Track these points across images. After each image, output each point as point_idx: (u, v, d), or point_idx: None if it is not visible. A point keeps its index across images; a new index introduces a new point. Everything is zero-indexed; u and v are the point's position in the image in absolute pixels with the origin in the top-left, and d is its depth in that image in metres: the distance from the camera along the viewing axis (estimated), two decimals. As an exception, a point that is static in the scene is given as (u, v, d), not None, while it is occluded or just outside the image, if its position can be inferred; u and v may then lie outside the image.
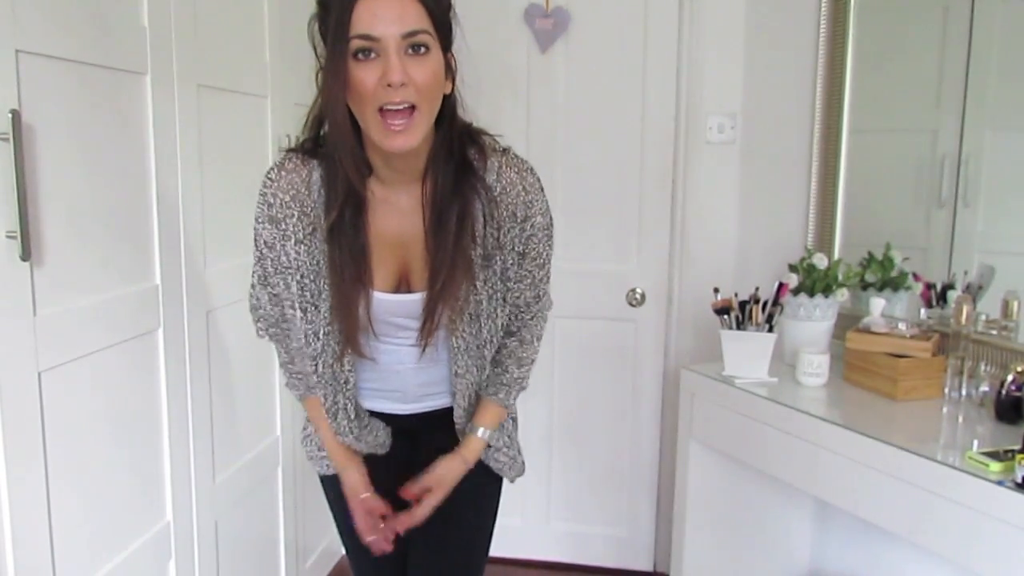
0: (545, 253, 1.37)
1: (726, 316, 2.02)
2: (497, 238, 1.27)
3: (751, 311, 2.01)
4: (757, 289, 2.05)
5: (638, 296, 2.64)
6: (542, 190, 1.32)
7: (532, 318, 1.44)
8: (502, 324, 1.35)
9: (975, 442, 1.57)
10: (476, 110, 2.81)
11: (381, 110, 1.09)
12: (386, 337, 1.33)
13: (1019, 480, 1.37)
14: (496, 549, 2.98)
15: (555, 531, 2.82)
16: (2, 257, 1.21)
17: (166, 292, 1.64)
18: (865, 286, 2.18)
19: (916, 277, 2.08)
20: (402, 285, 1.28)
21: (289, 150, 1.26)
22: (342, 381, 1.31)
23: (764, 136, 2.46)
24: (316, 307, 1.25)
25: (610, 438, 2.74)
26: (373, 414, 1.42)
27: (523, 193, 1.29)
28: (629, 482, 2.74)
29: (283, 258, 1.24)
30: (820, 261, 2.04)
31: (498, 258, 1.29)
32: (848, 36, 2.23)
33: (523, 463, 1.53)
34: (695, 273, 2.56)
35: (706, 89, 2.50)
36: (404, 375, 1.38)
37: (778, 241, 2.43)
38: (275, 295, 1.30)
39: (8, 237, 1.21)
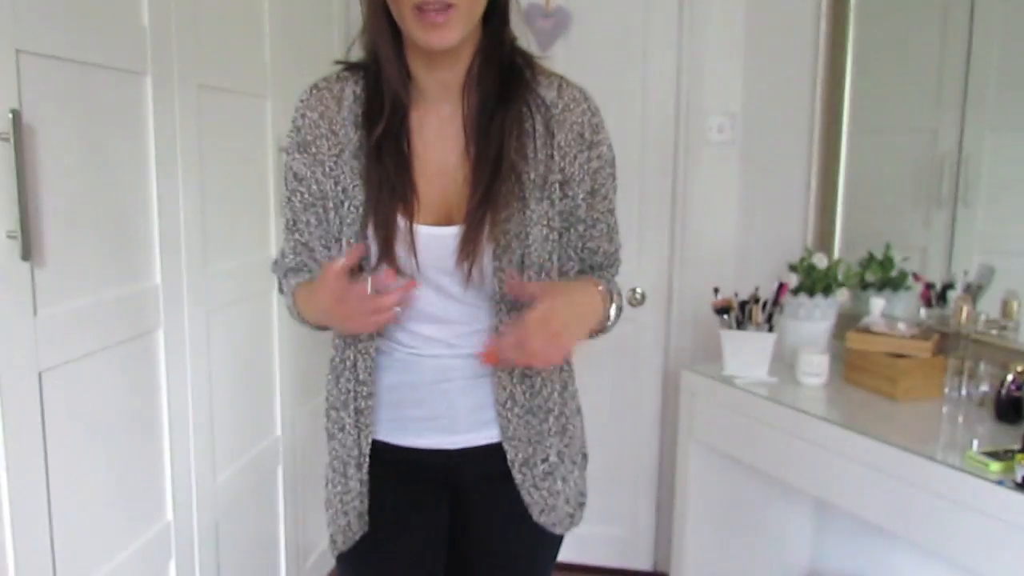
0: (612, 196, 1.22)
1: (726, 316, 2.02)
2: (562, 166, 1.15)
3: (751, 311, 2.01)
4: (757, 289, 2.05)
5: (638, 296, 2.64)
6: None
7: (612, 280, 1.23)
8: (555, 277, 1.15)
9: (975, 442, 1.57)
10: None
11: (419, 8, 1.03)
12: (427, 325, 1.16)
13: (1019, 480, 1.37)
14: (496, 549, 2.97)
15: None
16: (2, 257, 1.21)
17: (166, 292, 1.64)
18: (865, 286, 2.18)
19: (916, 277, 2.08)
20: (442, 221, 1.12)
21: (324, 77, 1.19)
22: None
23: (764, 136, 2.46)
24: (339, 241, 1.14)
25: (610, 438, 2.74)
26: (410, 454, 1.21)
27: (589, 113, 1.21)
28: (629, 482, 2.74)
29: (314, 187, 1.15)
30: (820, 261, 2.04)
31: (557, 188, 1.14)
32: (848, 36, 2.23)
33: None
34: (695, 273, 2.56)
35: (706, 89, 2.50)
36: (451, 393, 1.19)
37: (778, 241, 2.43)
38: (302, 243, 1.20)
39: (8, 237, 1.21)
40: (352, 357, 1.18)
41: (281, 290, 1.27)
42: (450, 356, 1.18)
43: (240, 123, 1.96)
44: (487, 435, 1.21)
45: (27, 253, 1.23)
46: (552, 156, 1.16)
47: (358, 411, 1.19)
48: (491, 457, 1.21)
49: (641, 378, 2.69)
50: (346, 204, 1.13)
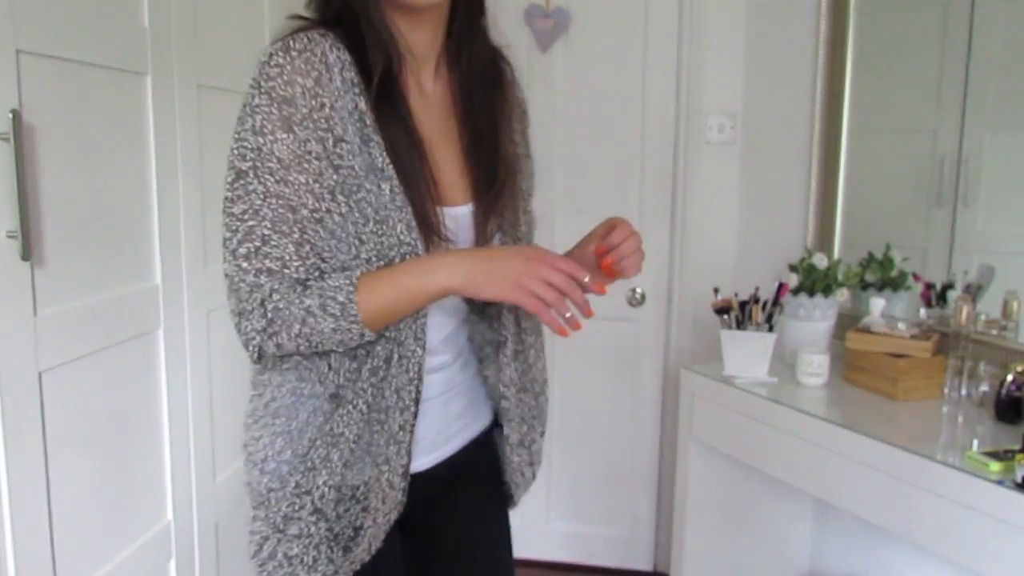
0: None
1: (726, 316, 2.02)
2: (518, 140, 1.13)
3: (751, 311, 2.01)
4: (757, 289, 2.05)
5: (638, 296, 2.64)
6: None
7: None
8: None
9: (975, 442, 1.57)
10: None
11: None
12: (447, 317, 1.07)
13: (1019, 480, 1.37)
14: (496, 549, 2.97)
15: (555, 531, 2.82)
16: (3, 257, 1.21)
17: (166, 292, 1.64)
18: (865, 286, 2.18)
19: (916, 277, 2.08)
20: (447, 200, 1.05)
21: (291, 34, 0.96)
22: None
23: (764, 136, 2.46)
24: (380, 223, 0.98)
25: (610, 438, 2.74)
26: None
27: (520, 84, 1.16)
28: (629, 482, 2.74)
29: (331, 172, 0.95)
30: (820, 261, 2.04)
31: (520, 162, 1.11)
32: (848, 36, 2.23)
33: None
34: (695, 273, 2.56)
35: (706, 89, 2.50)
36: (451, 404, 1.11)
37: (778, 241, 2.43)
38: (310, 244, 0.96)
39: (9, 237, 1.21)
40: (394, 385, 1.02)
41: (282, 301, 0.96)
42: (458, 368, 1.12)
43: (240, 123, 1.96)
44: (478, 428, 1.17)
45: (27, 253, 1.23)
46: (515, 130, 1.13)
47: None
48: (480, 447, 1.18)
49: (641, 378, 2.69)
50: (385, 186, 0.97)
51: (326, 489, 1.02)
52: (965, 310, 1.83)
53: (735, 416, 1.96)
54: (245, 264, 0.95)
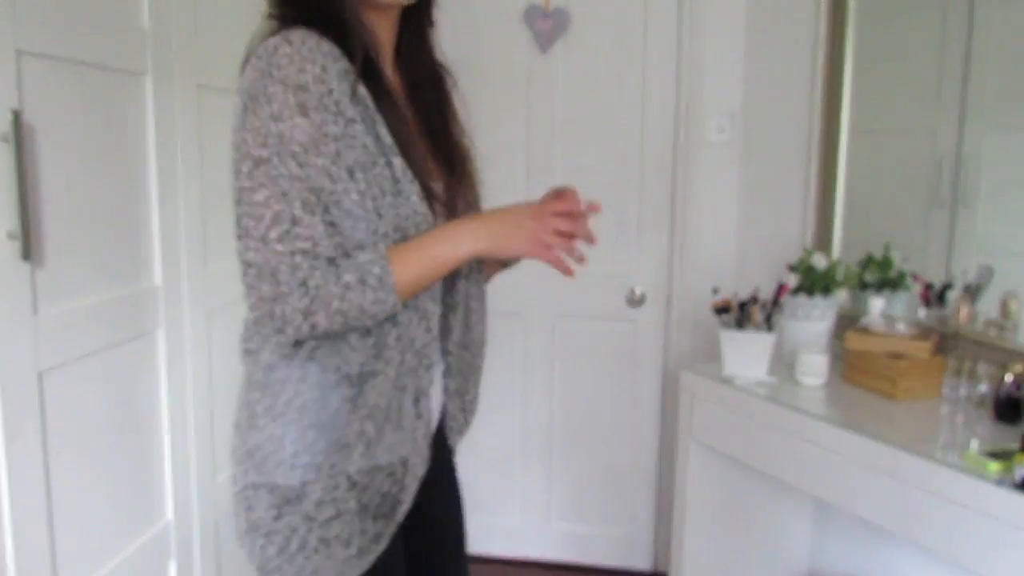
0: None
1: (726, 316, 2.02)
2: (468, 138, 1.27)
3: (750, 311, 2.01)
4: (756, 289, 2.05)
5: (638, 296, 2.64)
6: None
7: None
8: None
9: (974, 442, 1.57)
10: (476, 110, 2.81)
11: None
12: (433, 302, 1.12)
13: (1018, 480, 1.37)
14: (496, 549, 3.00)
15: (555, 531, 2.82)
16: (3, 257, 1.21)
17: (166, 292, 1.64)
18: (864, 286, 2.18)
19: (915, 277, 2.08)
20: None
21: (277, 32, 1.01)
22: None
23: (764, 136, 2.46)
24: (397, 195, 1.04)
25: (610, 438, 2.74)
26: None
27: None
28: (629, 482, 2.74)
29: (349, 151, 1.00)
30: (819, 261, 2.04)
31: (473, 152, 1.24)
32: (848, 36, 2.23)
33: None
34: (695, 273, 2.56)
35: (706, 89, 2.50)
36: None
37: (778, 241, 2.43)
38: (330, 223, 1.00)
39: (8, 237, 1.21)
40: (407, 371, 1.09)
41: (320, 279, 0.98)
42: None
43: (240, 123, 1.96)
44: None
45: (27, 253, 1.23)
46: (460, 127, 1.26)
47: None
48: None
49: (641, 378, 2.69)
50: (397, 160, 1.04)
51: (361, 463, 1.07)
52: (964, 310, 1.83)
53: (735, 416, 1.96)
54: (279, 247, 0.96)
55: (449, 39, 2.68)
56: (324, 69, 0.98)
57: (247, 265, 0.98)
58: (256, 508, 1.08)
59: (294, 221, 0.97)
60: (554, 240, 1.05)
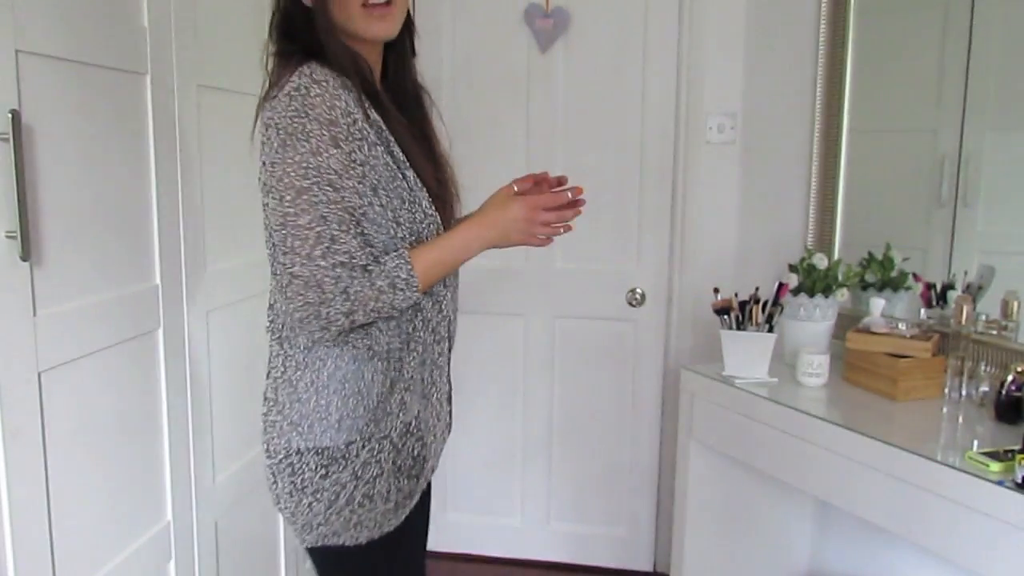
0: None
1: (726, 316, 2.02)
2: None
3: (751, 311, 2.01)
4: (757, 289, 2.05)
5: (638, 296, 2.64)
6: None
7: None
8: None
9: (975, 442, 1.57)
10: (476, 110, 2.82)
11: (365, 5, 1.21)
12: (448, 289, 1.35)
13: (1019, 480, 1.37)
14: (496, 549, 3.00)
15: (555, 531, 2.82)
16: (2, 257, 1.21)
17: (166, 292, 1.64)
18: (865, 286, 2.18)
19: (916, 277, 2.08)
20: None
21: (291, 65, 1.17)
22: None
23: (764, 136, 2.46)
24: (413, 205, 1.24)
25: (610, 438, 2.74)
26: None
27: None
28: (629, 482, 2.74)
29: (372, 172, 1.18)
30: (820, 261, 2.04)
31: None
32: (848, 36, 2.23)
33: None
34: (695, 273, 2.56)
35: (706, 89, 2.50)
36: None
37: (778, 241, 2.43)
38: (362, 235, 1.17)
39: (8, 237, 1.21)
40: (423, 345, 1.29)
41: (357, 285, 1.15)
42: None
43: (240, 123, 1.95)
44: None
45: (27, 253, 1.23)
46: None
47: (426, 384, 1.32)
48: None
49: (641, 378, 2.69)
50: (409, 175, 1.23)
51: (400, 426, 1.26)
52: (965, 310, 1.83)
53: (735, 416, 1.96)
54: (322, 262, 1.13)
55: (449, 39, 2.70)
56: (346, 102, 1.16)
57: (293, 277, 1.13)
58: (302, 471, 1.23)
59: (333, 239, 1.13)
60: (543, 231, 1.27)
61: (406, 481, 1.29)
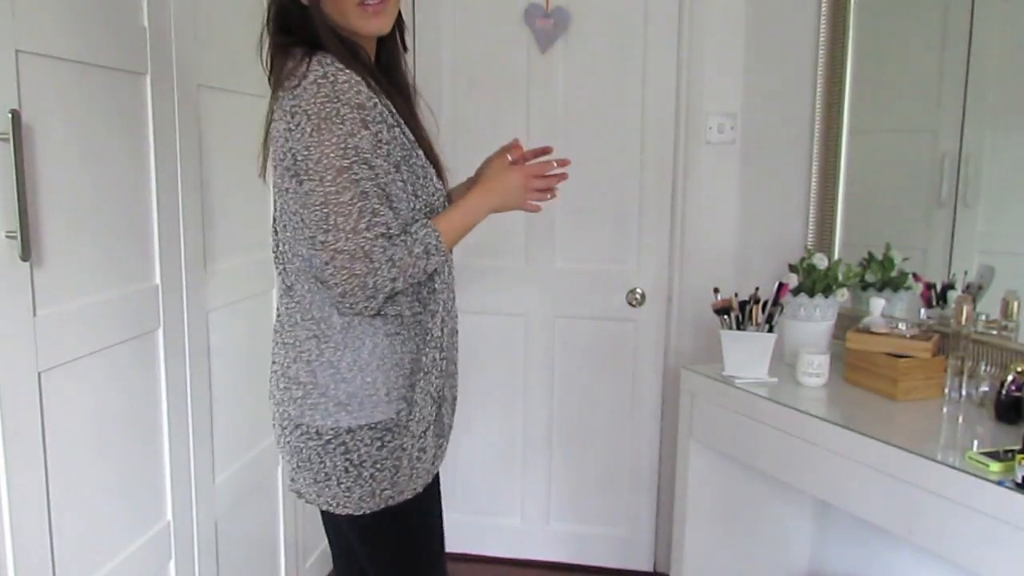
0: None
1: (726, 316, 2.02)
2: None
3: (751, 311, 2.01)
4: (757, 289, 2.05)
5: (638, 296, 2.64)
6: None
7: None
8: None
9: (975, 442, 1.57)
10: (476, 110, 2.83)
11: (360, 3, 1.28)
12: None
13: (1019, 480, 1.37)
14: (496, 549, 3.00)
15: (555, 531, 2.82)
16: (2, 257, 1.21)
17: (166, 292, 1.64)
18: (865, 286, 2.18)
19: (916, 277, 2.08)
20: None
21: (307, 57, 1.24)
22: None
23: (764, 136, 2.46)
24: (426, 179, 1.35)
25: (610, 438, 2.74)
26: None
27: None
28: (629, 482, 2.74)
29: (396, 150, 1.28)
30: (820, 261, 2.04)
31: None
32: (848, 36, 2.23)
33: None
34: (695, 273, 2.56)
35: (706, 89, 2.50)
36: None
37: (778, 241, 2.43)
38: (392, 209, 1.28)
39: (8, 237, 1.21)
40: (440, 321, 1.39)
41: (398, 253, 1.26)
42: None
43: (240, 123, 1.96)
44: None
45: (26, 253, 1.23)
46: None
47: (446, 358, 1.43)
48: None
49: (641, 378, 2.69)
50: (419, 153, 1.33)
51: (436, 383, 1.38)
52: (965, 310, 1.83)
53: (735, 416, 1.96)
54: (368, 234, 1.22)
55: (449, 39, 2.70)
56: (368, 88, 1.25)
57: (337, 252, 1.21)
58: (357, 448, 1.31)
59: (374, 212, 1.23)
60: (536, 196, 1.43)
61: (438, 438, 1.42)
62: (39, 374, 1.29)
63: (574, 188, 2.66)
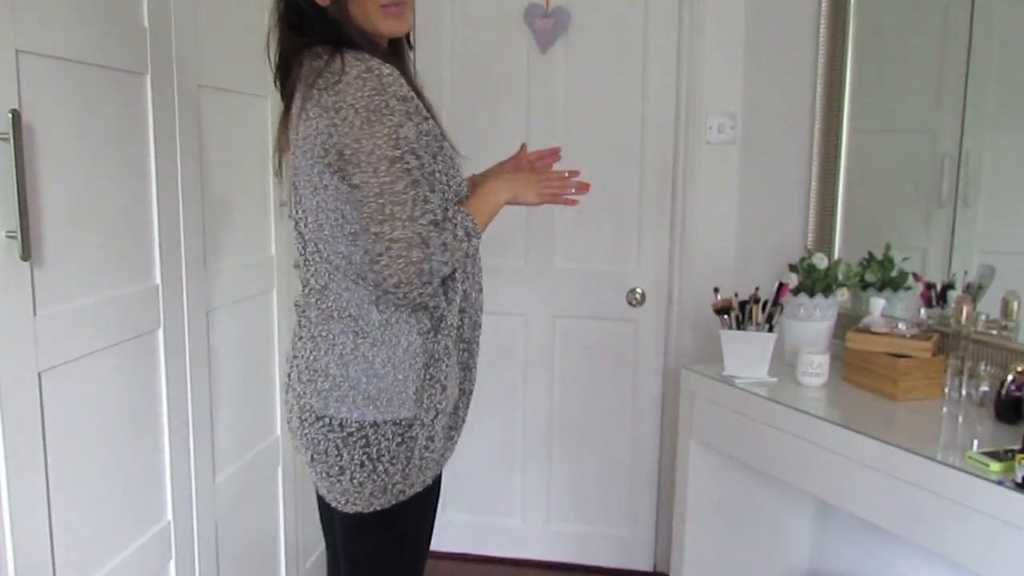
0: None
1: (726, 316, 2.02)
2: None
3: (751, 311, 2.01)
4: (757, 289, 2.05)
5: (638, 296, 2.64)
6: None
7: None
8: None
9: (975, 442, 1.57)
10: (476, 110, 2.83)
11: (384, 6, 1.33)
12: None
13: (1019, 480, 1.37)
14: (496, 549, 3.00)
15: (555, 531, 2.82)
16: (2, 257, 1.21)
17: (166, 292, 1.64)
18: (865, 286, 2.18)
19: (916, 277, 2.08)
20: None
21: (337, 55, 1.27)
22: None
23: (764, 136, 2.46)
24: (457, 171, 1.42)
25: (610, 438, 2.74)
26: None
27: None
28: (629, 482, 2.74)
29: (435, 141, 1.34)
30: (820, 261, 2.04)
31: None
32: (848, 36, 2.23)
33: None
34: (695, 273, 2.56)
35: (706, 89, 2.50)
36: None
37: (778, 241, 2.43)
38: (435, 194, 1.32)
39: (8, 237, 1.21)
40: (460, 319, 1.43)
41: (447, 237, 1.30)
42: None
43: (240, 123, 1.96)
44: None
45: (27, 253, 1.23)
46: None
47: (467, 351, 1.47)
48: None
49: (641, 378, 2.69)
50: (446, 144, 1.39)
51: (448, 371, 1.38)
52: (965, 310, 1.83)
53: (735, 416, 1.96)
54: (423, 221, 1.25)
55: (449, 39, 2.70)
56: (407, 82, 1.29)
57: (393, 242, 1.22)
58: (378, 442, 1.33)
59: (425, 200, 1.26)
60: (547, 189, 1.47)
61: (459, 417, 1.47)
62: (39, 374, 1.29)
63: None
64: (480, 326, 1.49)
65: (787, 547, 2.34)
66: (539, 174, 1.50)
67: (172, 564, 1.70)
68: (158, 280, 1.62)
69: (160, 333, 1.63)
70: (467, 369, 1.47)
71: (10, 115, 1.18)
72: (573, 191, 1.51)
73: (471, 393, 1.51)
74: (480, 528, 2.87)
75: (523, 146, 1.60)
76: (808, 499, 2.28)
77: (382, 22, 1.33)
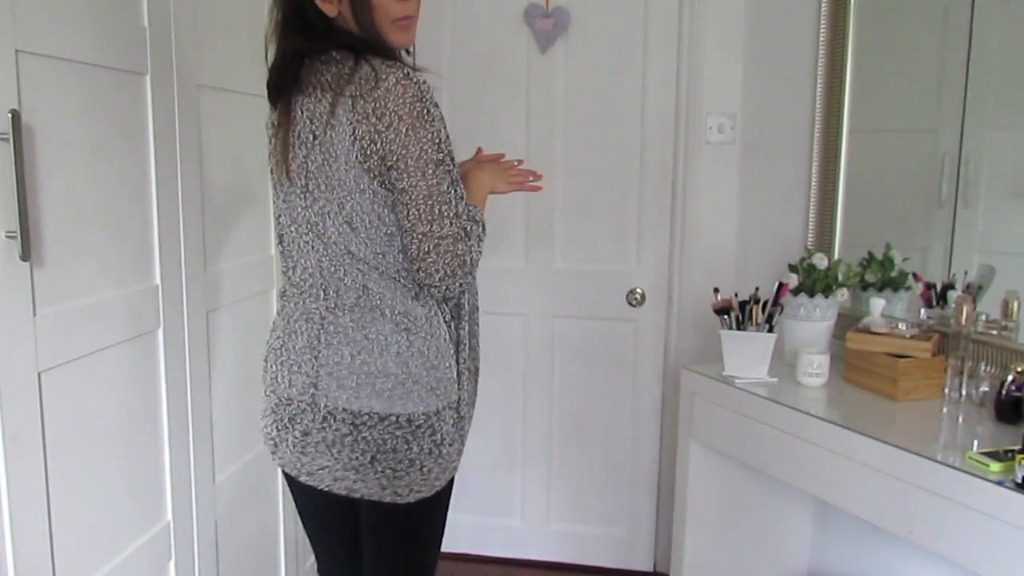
0: None
1: (726, 316, 2.02)
2: None
3: (751, 311, 2.01)
4: (757, 289, 2.05)
5: (638, 296, 2.64)
6: None
7: None
8: None
9: (975, 442, 1.57)
10: (476, 110, 2.83)
11: (395, 20, 1.38)
12: None
13: (1019, 480, 1.37)
14: (496, 549, 3.00)
15: (555, 531, 2.82)
16: (2, 257, 1.21)
17: (166, 292, 1.64)
18: (865, 286, 2.18)
19: (916, 277, 2.08)
20: None
21: (362, 61, 1.32)
22: None
23: (764, 136, 2.46)
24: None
25: (610, 438, 2.74)
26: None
27: None
28: (629, 482, 2.74)
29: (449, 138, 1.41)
30: (820, 261, 2.04)
31: None
32: (848, 36, 2.23)
33: None
34: (695, 273, 2.56)
35: (706, 89, 2.50)
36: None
37: (778, 241, 2.43)
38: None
39: (8, 237, 1.21)
40: (467, 315, 1.49)
41: (478, 229, 1.39)
42: None
43: (240, 123, 1.96)
44: None
45: (26, 253, 1.23)
46: None
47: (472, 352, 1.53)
48: None
49: (641, 378, 2.69)
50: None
51: (471, 354, 1.51)
52: (965, 310, 1.83)
53: (735, 416, 1.96)
54: (464, 216, 1.35)
55: (449, 39, 2.70)
56: None
57: (442, 239, 1.31)
58: (441, 427, 1.41)
59: (461, 197, 1.35)
60: (513, 178, 1.61)
61: (475, 394, 1.56)
62: (39, 374, 1.29)
63: (574, 188, 2.67)
64: (479, 309, 1.57)
65: (787, 547, 2.34)
66: (502, 165, 1.62)
67: (172, 564, 1.70)
68: (158, 280, 1.62)
69: (160, 333, 1.63)
70: (474, 349, 1.56)
71: (10, 115, 1.18)
72: (531, 179, 1.64)
73: (478, 371, 1.59)
74: (480, 528, 2.87)
75: (479, 150, 1.68)
76: (808, 499, 2.28)
77: (395, 35, 1.39)
